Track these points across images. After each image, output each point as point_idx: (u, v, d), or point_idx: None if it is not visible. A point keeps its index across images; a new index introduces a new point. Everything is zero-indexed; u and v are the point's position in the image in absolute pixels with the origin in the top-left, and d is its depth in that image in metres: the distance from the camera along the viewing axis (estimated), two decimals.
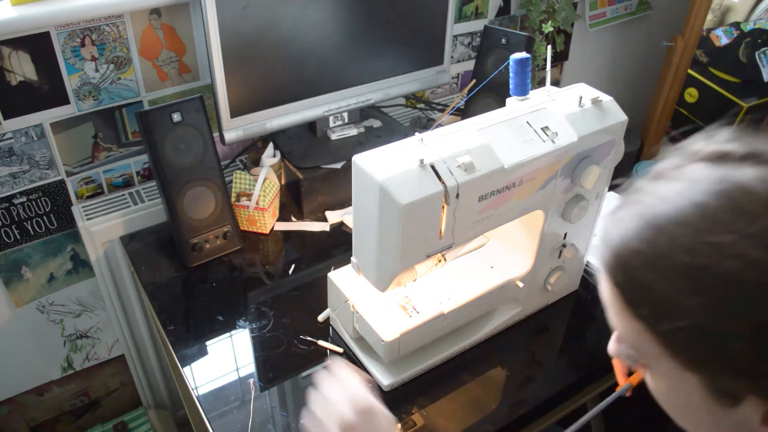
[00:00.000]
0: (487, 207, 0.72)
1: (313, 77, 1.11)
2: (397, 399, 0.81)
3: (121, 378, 1.41)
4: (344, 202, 1.18)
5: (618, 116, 0.81)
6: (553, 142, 0.75)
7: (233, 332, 0.91)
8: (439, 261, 0.75)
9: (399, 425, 0.77)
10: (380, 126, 1.24)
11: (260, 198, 1.09)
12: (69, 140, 1.08)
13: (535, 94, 0.81)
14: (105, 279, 1.18)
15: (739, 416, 0.38)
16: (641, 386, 1.20)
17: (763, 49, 1.90)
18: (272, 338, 0.89)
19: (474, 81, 1.25)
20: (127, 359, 1.34)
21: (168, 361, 1.20)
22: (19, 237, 1.12)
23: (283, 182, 1.19)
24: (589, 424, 1.16)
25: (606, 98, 0.81)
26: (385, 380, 0.81)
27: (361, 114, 1.23)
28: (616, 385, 0.93)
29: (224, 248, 1.06)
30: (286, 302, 0.96)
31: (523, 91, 0.79)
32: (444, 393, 0.82)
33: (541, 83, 0.98)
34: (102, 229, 1.11)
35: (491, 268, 0.90)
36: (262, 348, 0.88)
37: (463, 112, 1.29)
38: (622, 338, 0.43)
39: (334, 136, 1.19)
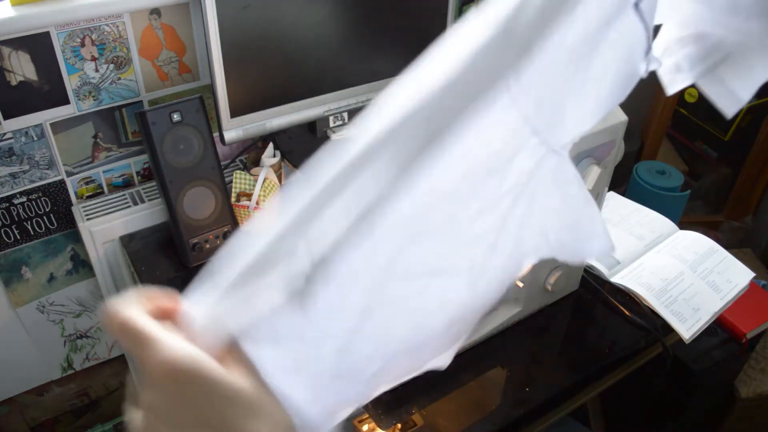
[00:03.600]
0: None
1: (313, 77, 1.11)
2: (397, 399, 0.81)
3: (121, 378, 1.41)
4: None
5: (618, 116, 0.81)
6: None
7: None
8: None
9: (399, 425, 0.77)
10: None
11: (260, 198, 1.09)
12: (69, 140, 1.08)
13: None
14: (105, 279, 1.18)
15: None
16: (641, 383, 1.20)
17: None
18: None
19: None
20: (127, 359, 1.34)
21: None
22: (19, 237, 1.12)
23: (283, 182, 1.19)
24: (589, 422, 1.17)
25: None
26: None
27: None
28: (616, 385, 0.93)
29: None
30: None
31: None
32: (444, 393, 0.82)
33: None
34: (102, 229, 1.11)
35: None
36: None
37: None
38: None
39: (334, 136, 1.19)
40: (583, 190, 0.46)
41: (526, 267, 0.51)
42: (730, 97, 0.51)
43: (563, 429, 1.00)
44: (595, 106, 0.44)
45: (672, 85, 0.51)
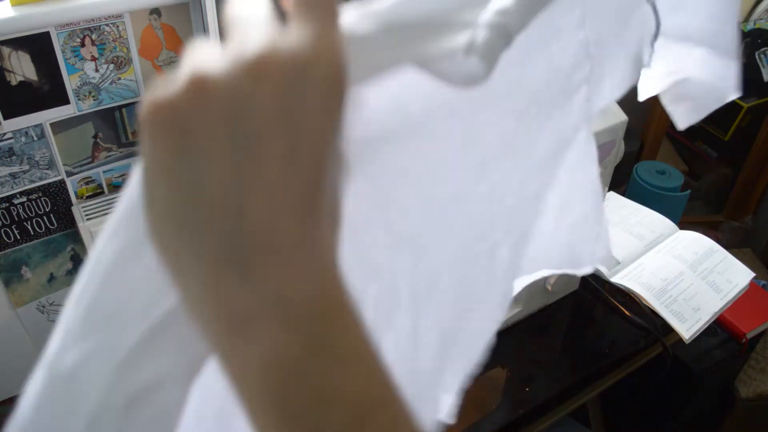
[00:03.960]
0: None
1: None
2: None
3: None
4: None
5: (618, 116, 0.81)
6: None
7: None
8: None
9: None
10: None
11: None
12: (69, 140, 1.08)
13: None
14: None
15: None
16: (641, 383, 1.20)
17: (763, 49, 1.90)
18: None
19: None
20: None
21: None
22: (19, 237, 1.12)
23: None
24: (589, 422, 1.17)
25: None
26: None
27: None
28: (616, 385, 0.93)
29: None
30: None
31: None
32: None
33: None
34: (102, 229, 1.11)
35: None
36: None
37: None
38: None
39: None
40: (597, 179, 0.48)
41: (524, 276, 0.51)
42: (685, 115, 0.59)
43: (563, 429, 1.00)
44: (622, 74, 0.46)
45: (642, 93, 0.60)
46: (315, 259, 0.23)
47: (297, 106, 0.22)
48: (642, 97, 0.61)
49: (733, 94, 0.55)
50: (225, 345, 0.24)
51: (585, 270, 0.54)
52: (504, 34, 0.27)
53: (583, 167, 0.47)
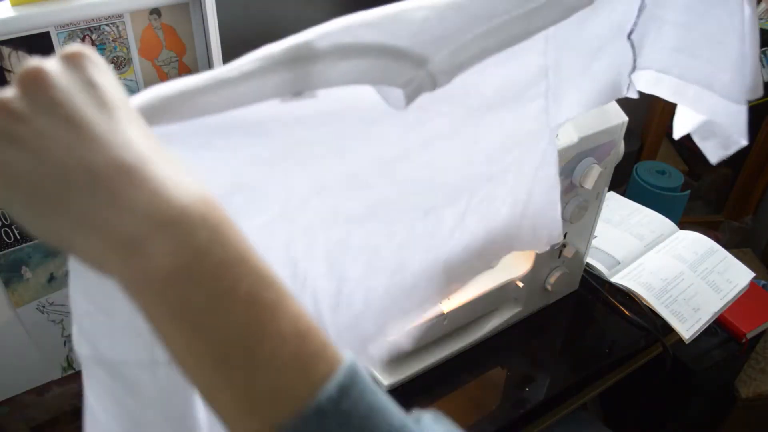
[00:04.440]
0: None
1: None
2: (397, 399, 0.80)
3: None
4: None
5: (618, 116, 0.81)
6: None
7: None
8: None
9: None
10: None
11: None
12: None
13: None
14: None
15: None
16: (641, 383, 1.20)
17: (763, 49, 1.90)
18: None
19: None
20: None
21: None
22: (19, 237, 1.12)
23: None
24: (587, 419, 1.17)
25: None
26: (385, 380, 0.81)
27: None
28: (616, 385, 0.94)
29: None
30: None
31: None
32: (444, 393, 0.82)
33: None
34: None
35: (491, 267, 0.90)
36: None
37: None
38: None
39: None
40: (556, 175, 0.57)
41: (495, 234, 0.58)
42: (713, 151, 0.70)
43: (576, 424, 1.00)
44: (586, 98, 0.52)
45: (677, 132, 0.72)
46: (172, 171, 0.26)
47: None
48: (676, 135, 0.71)
49: (742, 140, 0.63)
50: (123, 270, 0.26)
51: (544, 248, 0.65)
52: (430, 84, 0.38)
53: (544, 168, 0.54)
